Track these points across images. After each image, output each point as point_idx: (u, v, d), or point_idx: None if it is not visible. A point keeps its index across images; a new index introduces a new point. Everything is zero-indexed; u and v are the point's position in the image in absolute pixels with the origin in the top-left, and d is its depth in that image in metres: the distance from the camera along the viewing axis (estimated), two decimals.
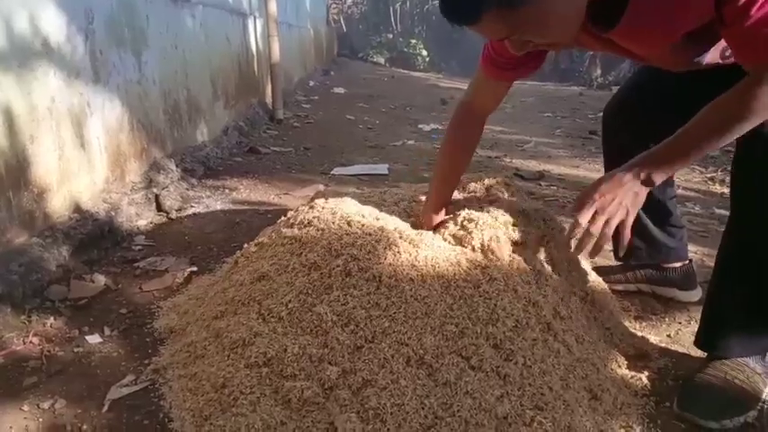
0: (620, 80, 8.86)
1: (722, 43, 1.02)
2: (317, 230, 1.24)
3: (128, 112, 2.15)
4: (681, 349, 1.32)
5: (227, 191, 2.57)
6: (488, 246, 1.19)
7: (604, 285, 1.44)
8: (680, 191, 1.54)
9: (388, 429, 0.92)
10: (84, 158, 1.84)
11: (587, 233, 1.03)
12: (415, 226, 1.31)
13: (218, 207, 2.34)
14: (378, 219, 1.29)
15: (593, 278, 1.40)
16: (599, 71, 9.63)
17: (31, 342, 1.30)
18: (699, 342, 1.21)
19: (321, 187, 2.52)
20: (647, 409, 1.11)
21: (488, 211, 1.26)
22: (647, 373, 1.20)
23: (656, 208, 1.46)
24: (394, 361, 0.99)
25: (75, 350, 1.28)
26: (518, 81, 1.32)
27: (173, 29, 2.61)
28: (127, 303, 1.50)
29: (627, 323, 1.38)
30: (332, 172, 2.97)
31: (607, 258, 1.75)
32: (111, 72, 2.02)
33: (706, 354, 1.21)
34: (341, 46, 12.19)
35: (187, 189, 2.50)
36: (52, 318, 1.40)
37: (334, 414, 0.95)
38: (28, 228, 1.56)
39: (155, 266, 1.72)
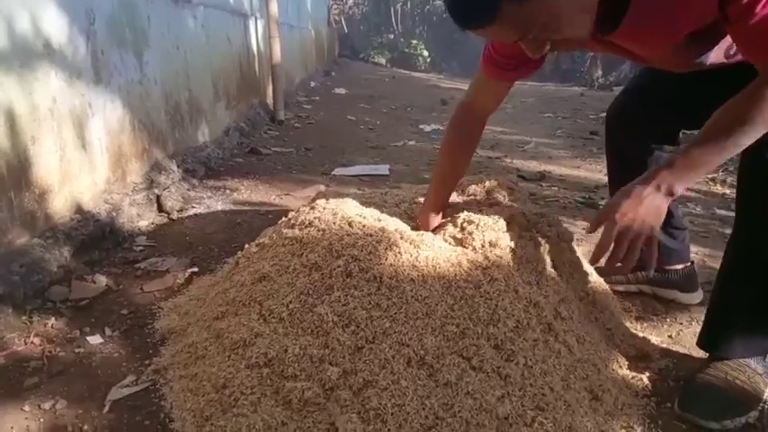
0: (621, 80, 8.87)
1: (726, 42, 1.02)
2: (318, 231, 1.24)
3: (129, 113, 2.15)
4: (682, 350, 1.32)
5: (228, 191, 2.57)
6: (489, 247, 1.19)
7: (605, 286, 1.44)
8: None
9: (389, 430, 0.92)
10: (85, 159, 1.84)
11: (614, 257, 1.00)
12: (415, 228, 1.31)
13: (219, 208, 2.35)
14: (379, 220, 1.29)
15: (594, 279, 1.40)
16: (600, 72, 9.63)
17: (32, 343, 1.30)
18: (701, 342, 1.21)
19: (322, 188, 2.52)
20: (648, 410, 1.11)
21: (489, 215, 1.26)
22: (648, 374, 1.20)
23: None
24: (395, 361, 0.99)
25: (77, 351, 1.28)
26: (519, 81, 1.32)
27: (174, 29, 2.61)
28: (128, 304, 1.50)
29: (628, 324, 1.38)
30: (333, 172, 2.98)
31: None
32: (112, 73, 2.02)
33: (707, 354, 1.21)
34: (342, 47, 12.20)
35: (188, 190, 2.50)
36: (53, 318, 1.40)
37: (334, 415, 0.95)
38: (29, 228, 1.56)
39: (156, 267, 1.72)
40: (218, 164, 2.99)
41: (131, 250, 1.86)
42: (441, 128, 4.41)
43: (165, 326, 1.36)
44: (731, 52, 1.04)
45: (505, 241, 1.22)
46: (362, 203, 1.38)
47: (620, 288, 1.56)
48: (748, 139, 0.93)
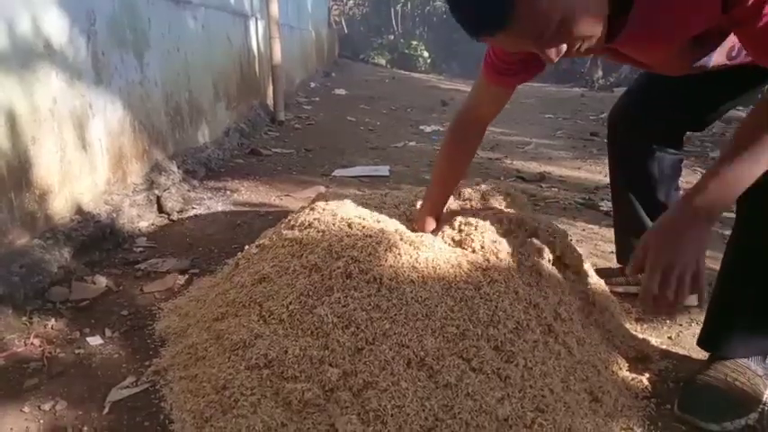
0: (621, 81, 8.87)
1: (728, 44, 1.01)
2: (318, 232, 1.24)
3: (129, 114, 2.15)
4: (682, 351, 1.32)
5: (228, 192, 2.57)
6: (489, 248, 1.19)
7: (605, 287, 1.44)
8: (681, 193, 1.54)
9: (389, 431, 0.92)
10: (85, 160, 1.84)
11: (662, 299, 0.91)
12: (412, 230, 1.31)
13: (220, 209, 2.35)
14: (378, 221, 1.29)
15: (594, 280, 1.40)
16: (600, 73, 9.64)
17: (32, 343, 1.30)
18: (701, 341, 1.21)
19: (322, 189, 2.52)
20: (648, 412, 1.11)
21: (486, 218, 1.26)
22: (647, 376, 1.20)
23: (661, 212, 1.45)
24: (395, 363, 1.00)
25: (77, 352, 1.28)
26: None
27: (174, 30, 2.62)
28: (128, 305, 1.50)
29: (628, 325, 1.38)
30: (333, 173, 2.98)
31: (608, 260, 1.75)
32: (112, 74, 2.02)
33: (707, 355, 1.21)
34: (342, 48, 12.21)
35: (188, 190, 2.50)
36: (53, 319, 1.40)
37: (334, 416, 0.95)
38: (29, 229, 1.56)
39: (156, 268, 1.72)
40: (219, 165, 2.99)
41: (131, 251, 1.86)
42: (441, 129, 4.42)
43: (165, 327, 1.36)
44: (733, 54, 1.04)
45: (505, 243, 1.22)
46: (362, 205, 1.38)
47: (620, 289, 1.56)
48: None
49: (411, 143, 3.91)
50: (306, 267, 1.17)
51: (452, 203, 1.40)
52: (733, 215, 1.14)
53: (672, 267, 0.90)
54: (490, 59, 1.18)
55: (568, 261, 1.33)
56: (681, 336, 1.40)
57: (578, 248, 1.48)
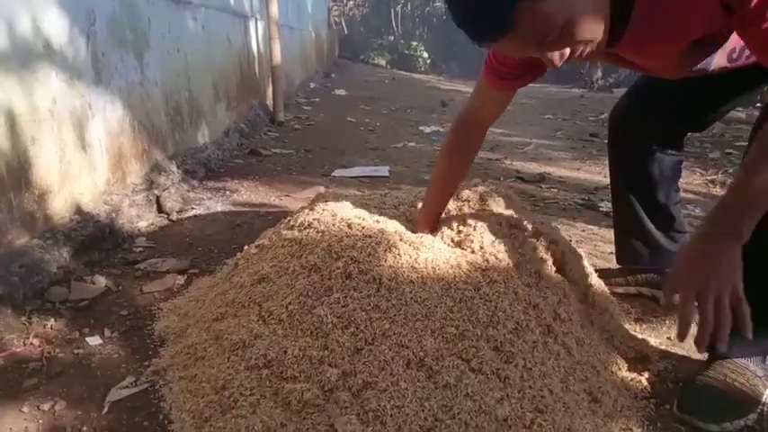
0: (621, 82, 8.89)
1: (728, 46, 1.01)
2: (318, 233, 1.24)
3: (129, 114, 2.15)
4: (681, 352, 1.32)
5: (227, 192, 2.57)
6: (488, 248, 1.19)
7: (605, 288, 1.44)
8: (681, 193, 1.54)
9: (388, 431, 0.92)
10: (85, 160, 1.84)
11: (704, 328, 0.85)
12: (412, 231, 1.31)
13: (219, 209, 2.35)
14: (378, 222, 1.29)
15: (594, 281, 1.40)
16: (600, 73, 9.65)
17: (31, 343, 1.30)
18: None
19: (322, 189, 2.52)
20: (647, 412, 1.11)
21: (484, 219, 1.26)
22: (647, 376, 1.20)
23: (661, 213, 1.46)
24: (394, 363, 0.99)
25: (76, 352, 1.28)
26: None
27: (174, 31, 2.62)
28: (127, 305, 1.50)
29: (627, 326, 1.38)
30: (333, 174, 2.98)
31: (607, 261, 1.75)
32: (112, 74, 2.02)
33: (706, 356, 1.21)
34: (342, 48, 12.21)
35: (188, 191, 2.50)
36: (53, 319, 1.40)
37: (334, 416, 0.95)
38: (29, 229, 1.56)
39: (155, 268, 1.72)
40: (218, 165, 2.99)
41: (131, 251, 1.86)
42: (440, 129, 4.42)
43: (164, 327, 1.35)
44: (734, 56, 1.04)
45: (504, 243, 1.22)
46: (362, 205, 1.38)
47: (620, 290, 1.56)
48: None
49: (411, 144, 3.91)
50: (305, 268, 1.17)
51: (451, 204, 1.40)
52: None
53: (706, 292, 0.84)
54: (491, 63, 1.18)
55: (568, 262, 1.33)
56: None
57: (578, 249, 1.49)
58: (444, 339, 1.04)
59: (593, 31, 0.85)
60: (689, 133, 1.48)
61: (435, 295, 1.09)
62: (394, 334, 1.03)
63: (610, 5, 0.85)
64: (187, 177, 2.58)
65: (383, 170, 3.06)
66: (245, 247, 1.48)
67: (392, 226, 1.28)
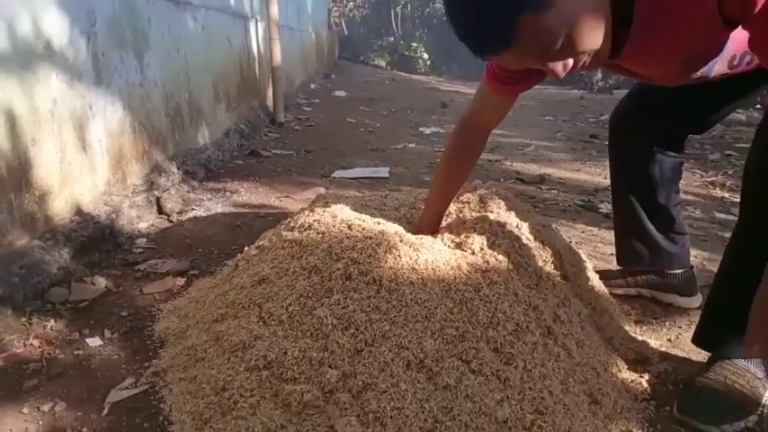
0: (620, 84, 8.88)
1: (729, 54, 1.01)
2: (318, 234, 1.24)
3: (129, 115, 2.15)
4: (681, 353, 1.32)
5: (227, 193, 2.57)
6: (488, 250, 1.19)
7: (605, 289, 1.44)
8: (681, 195, 1.54)
9: None
10: (85, 161, 1.84)
11: None
12: (413, 233, 1.31)
13: (219, 210, 2.35)
14: (378, 223, 1.29)
15: (594, 282, 1.40)
16: (600, 75, 9.65)
17: (31, 344, 1.30)
18: (698, 340, 1.21)
19: (322, 190, 2.52)
20: (647, 414, 1.11)
21: (484, 220, 1.26)
22: (647, 378, 1.20)
23: (661, 214, 1.46)
24: (394, 364, 0.99)
25: (76, 353, 1.28)
26: None
27: (175, 31, 2.62)
28: (127, 306, 1.50)
29: (627, 327, 1.38)
30: (333, 175, 2.98)
31: (607, 262, 1.75)
32: (113, 74, 2.03)
33: (707, 357, 1.21)
34: (342, 49, 12.22)
35: (188, 192, 2.50)
36: (53, 320, 1.40)
37: (334, 417, 0.95)
38: (29, 230, 1.56)
39: (155, 269, 1.72)
40: (218, 166, 2.99)
41: (131, 252, 1.86)
42: (440, 130, 4.42)
43: (164, 328, 1.35)
44: (735, 63, 1.04)
45: (504, 244, 1.22)
46: (362, 206, 1.38)
47: (620, 291, 1.56)
48: None
49: (411, 145, 3.91)
50: (305, 269, 1.17)
51: (451, 206, 1.40)
52: (733, 217, 1.15)
53: None
54: (492, 68, 1.18)
55: (568, 263, 1.33)
56: (680, 338, 1.40)
57: (578, 250, 1.49)
58: (444, 341, 1.04)
59: (595, 41, 0.85)
60: (689, 135, 1.48)
61: (435, 297, 1.09)
62: (394, 335, 1.03)
63: (611, 17, 0.85)
64: (187, 178, 2.58)
65: (383, 171, 3.06)
66: (246, 249, 1.48)
67: (392, 227, 1.28)
